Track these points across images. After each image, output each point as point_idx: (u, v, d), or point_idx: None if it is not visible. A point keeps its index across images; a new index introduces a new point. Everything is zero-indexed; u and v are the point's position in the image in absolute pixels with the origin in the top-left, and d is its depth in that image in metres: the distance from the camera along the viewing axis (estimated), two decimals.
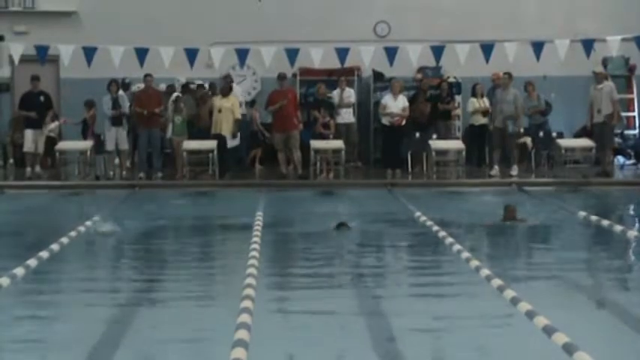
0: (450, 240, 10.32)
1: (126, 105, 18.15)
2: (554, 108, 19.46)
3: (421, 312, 7.93)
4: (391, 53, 17.42)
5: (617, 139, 19.58)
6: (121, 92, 18.35)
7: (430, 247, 11.13)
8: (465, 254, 9.34)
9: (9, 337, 7.17)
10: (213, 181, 17.63)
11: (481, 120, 18.97)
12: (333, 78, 19.48)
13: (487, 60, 17.23)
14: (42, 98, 18.47)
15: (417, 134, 18.62)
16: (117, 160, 18.59)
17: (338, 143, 18.07)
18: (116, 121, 17.98)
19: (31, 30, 20.45)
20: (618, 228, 11.49)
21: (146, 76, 18.10)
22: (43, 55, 17.33)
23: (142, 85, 18.60)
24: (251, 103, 19.94)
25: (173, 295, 8.81)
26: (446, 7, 20.90)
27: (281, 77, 18.40)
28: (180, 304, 8.34)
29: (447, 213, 13.64)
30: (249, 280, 7.71)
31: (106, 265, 11.01)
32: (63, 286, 9.43)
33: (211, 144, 17.77)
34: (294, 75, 20.02)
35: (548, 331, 6.00)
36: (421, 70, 19.94)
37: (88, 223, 12.02)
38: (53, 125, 18.89)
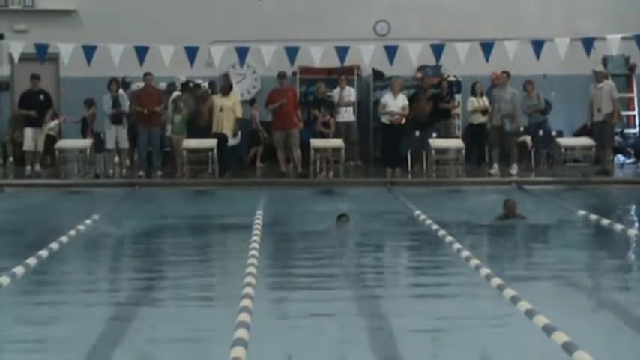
0: (449, 239, 10.32)
1: (126, 104, 18.15)
2: (554, 107, 19.44)
3: (421, 312, 7.92)
4: (391, 52, 17.40)
5: (617, 138, 19.57)
6: (121, 91, 18.35)
7: (430, 246, 11.13)
8: (465, 253, 9.34)
9: (8, 336, 7.15)
10: (213, 179, 17.63)
11: (480, 119, 18.99)
12: (333, 77, 19.47)
13: (487, 59, 17.21)
14: (42, 97, 18.45)
15: (417, 133, 18.61)
16: (117, 159, 18.59)
17: (338, 142, 18.06)
18: (116, 119, 17.98)
19: (31, 28, 20.43)
20: (618, 227, 11.49)
21: (146, 74, 18.09)
22: (42, 53, 17.32)
23: (141, 84, 18.59)
24: (251, 102, 19.94)
25: (172, 294, 8.80)
26: (446, 6, 20.90)
27: (281, 76, 18.39)
28: (180, 304, 8.34)
29: (447, 212, 13.63)
30: (249, 279, 7.71)
31: (106, 264, 11.00)
32: (62, 285, 9.40)
33: (211, 142, 17.77)
34: (294, 74, 20.02)
35: (548, 330, 6.00)
36: (421, 68, 19.94)
37: (88, 221, 12.01)
38: (53, 124, 18.88)
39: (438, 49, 17.50)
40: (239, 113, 18.27)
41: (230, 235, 12.70)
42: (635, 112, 21.18)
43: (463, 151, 18.17)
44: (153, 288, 9.11)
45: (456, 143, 18.55)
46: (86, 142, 18.27)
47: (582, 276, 9.78)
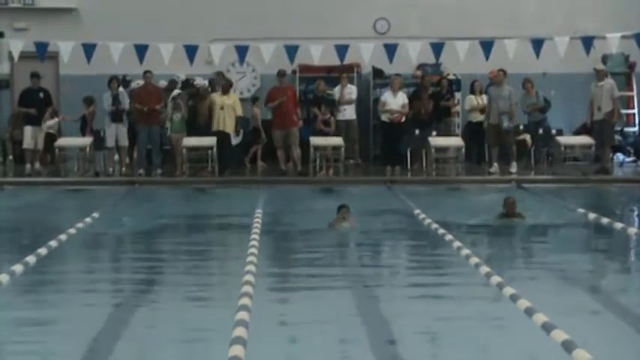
0: (449, 237, 10.32)
1: (126, 101, 18.15)
2: (553, 105, 19.44)
3: (421, 312, 7.89)
4: (391, 50, 17.40)
5: (616, 137, 19.57)
6: (121, 89, 18.35)
7: (430, 245, 11.12)
8: (465, 252, 9.33)
9: (7, 337, 7.13)
10: (213, 178, 17.63)
11: (479, 117, 19.02)
12: (333, 75, 19.47)
13: (487, 57, 17.21)
14: (41, 95, 18.46)
15: (417, 131, 18.61)
16: (116, 157, 18.60)
17: (337, 140, 18.07)
18: (116, 117, 17.98)
19: (30, 26, 20.45)
20: (618, 225, 11.49)
21: (146, 72, 18.09)
22: (42, 51, 17.31)
23: (141, 82, 18.59)
24: (253, 100, 19.94)
25: (171, 293, 8.77)
26: (445, 4, 20.91)
27: (280, 74, 18.39)
28: (179, 303, 8.32)
29: (447, 210, 13.62)
30: (248, 278, 7.70)
31: (105, 263, 10.97)
32: (61, 283, 9.38)
33: (211, 141, 17.77)
34: (294, 72, 20.03)
35: (547, 328, 6.00)
36: (421, 67, 19.94)
37: (88, 219, 12.01)
38: (52, 122, 18.88)
39: (437, 48, 17.51)
40: (239, 111, 18.28)
41: (230, 234, 12.68)
42: (635, 111, 21.19)
43: (463, 150, 18.18)
44: (152, 287, 9.10)
45: (456, 141, 18.55)
46: (86, 140, 18.27)
47: (582, 275, 9.77)
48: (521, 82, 18.73)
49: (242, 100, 19.62)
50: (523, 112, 18.80)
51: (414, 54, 17.53)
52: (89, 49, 17.00)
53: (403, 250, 11.65)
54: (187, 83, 19.44)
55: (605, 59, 19.86)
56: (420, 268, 10.28)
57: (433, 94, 19.08)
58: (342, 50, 17.33)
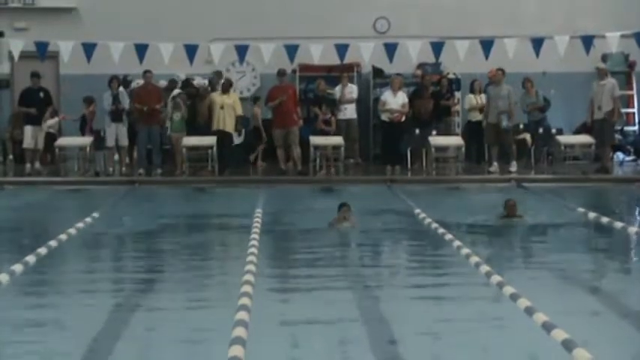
0: (449, 237, 10.31)
1: (126, 101, 18.15)
2: (553, 104, 19.45)
3: (421, 312, 7.89)
4: (391, 49, 17.40)
5: (616, 136, 19.57)
6: (121, 89, 18.35)
7: (430, 245, 11.12)
8: (465, 251, 9.33)
9: (6, 337, 7.13)
10: (213, 177, 17.64)
11: (478, 116, 19.06)
12: (333, 74, 19.48)
13: (487, 56, 17.19)
14: (41, 94, 18.46)
15: (417, 130, 18.61)
16: (116, 157, 18.60)
17: (338, 139, 18.07)
18: (116, 117, 17.98)
19: (30, 26, 20.46)
20: (618, 224, 11.49)
21: (145, 72, 18.10)
22: (42, 51, 17.31)
23: (141, 82, 18.59)
24: (254, 100, 19.94)
25: (171, 293, 8.76)
26: (445, 4, 20.92)
27: (281, 73, 18.40)
28: (178, 303, 8.30)
29: (447, 209, 13.62)
30: (248, 277, 7.69)
31: (105, 263, 10.96)
32: (61, 283, 9.39)
33: (211, 140, 17.78)
34: (294, 71, 20.04)
35: (548, 327, 6.00)
36: (421, 66, 19.94)
37: (88, 219, 12.00)
38: (52, 121, 18.88)
39: (437, 47, 17.51)
40: (239, 111, 18.29)
41: (229, 234, 12.67)
42: (635, 110, 21.21)
43: (463, 149, 18.18)
44: (152, 287, 9.09)
45: (456, 141, 18.56)
46: (86, 140, 18.28)
47: (581, 274, 9.76)
48: (521, 81, 18.74)
49: (242, 99, 19.65)
50: (523, 112, 18.80)
51: (414, 53, 17.53)
52: (89, 49, 16.99)
53: (403, 249, 11.64)
54: (186, 83, 19.43)
55: (604, 58, 19.85)
56: (421, 268, 10.27)
57: (433, 94, 19.08)
58: (342, 50, 17.33)
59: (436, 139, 18.40)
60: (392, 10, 21.12)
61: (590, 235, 12.32)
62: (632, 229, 11.44)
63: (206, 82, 19.49)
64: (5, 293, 8.04)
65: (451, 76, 20.15)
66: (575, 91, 19.77)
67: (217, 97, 18.23)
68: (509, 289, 7.26)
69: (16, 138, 19.51)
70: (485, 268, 8.33)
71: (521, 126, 19.09)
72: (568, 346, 5.55)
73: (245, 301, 6.75)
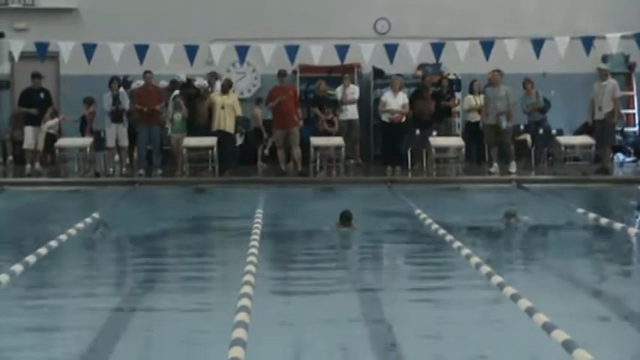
0: (450, 237, 10.31)
1: (126, 102, 18.15)
2: (553, 105, 19.45)
3: (422, 314, 7.87)
4: (391, 50, 17.41)
5: (617, 137, 19.57)
6: (121, 89, 18.35)
7: (430, 246, 11.10)
8: (466, 251, 9.32)
9: (6, 339, 7.12)
10: (213, 177, 17.64)
11: (477, 117, 19.05)
12: (334, 75, 19.49)
13: (487, 57, 17.21)
14: (42, 95, 18.46)
15: (417, 131, 18.61)
16: (117, 157, 18.59)
17: (338, 140, 18.08)
18: (116, 117, 17.98)
19: (31, 27, 20.45)
20: (618, 225, 11.48)
21: (146, 72, 18.10)
22: (43, 51, 17.31)
23: (141, 82, 18.59)
24: (257, 101, 19.93)
25: (170, 294, 8.74)
26: (446, 4, 20.92)
27: (281, 74, 18.40)
28: (178, 305, 8.28)
29: (447, 210, 13.61)
30: (248, 278, 7.68)
31: (104, 264, 10.94)
32: (60, 284, 9.38)
33: (211, 141, 17.78)
34: (294, 72, 20.04)
35: (548, 328, 6.00)
36: (421, 67, 19.95)
37: (88, 219, 11.99)
38: (52, 122, 18.87)
39: (438, 48, 17.52)
40: (239, 111, 18.30)
41: (230, 235, 12.63)
42: (635, 111, 21.22)
43: (463, 150, 18.18)
44: (152, 288, 9.08)
45: (456, 141, 18.56)
46: (86, 141, 18.28)
47: (581, 275, 9.75)
48: (522, 82, 18.74)
49: (243, 100, 19.67)
50: (523, 112, 18.81)
51: (414, 54, 17.54)
52: (89, 50, 17.01)
53: (404, 250, 11.61)
54: (186, 84, 19.39)
55: (605, 59, 19.86)
56: (421, 269, 10.26)
57: (434, 94, 19.09)
58: (342, 50, 17.34)
59: (436, 140, 18.41)
60: (392, 11, 21.13)
61: (590, 237, 12.32)
62: (632, 230, 11.44)
63: (206, 82, 19.48)
64: (5, 295, 8.03)
65: (451, 76, 20.15)
66: (576, 91, 19.77)
67: (217, 97, 18.23)
68: (509, 290, 7.25)
69: (16, 139, 19.51)
70: (485, 268, 8.32)
71: (522, 127, 19.11)
72: (568, 347, 5.55)
73: (245, 302, 6.74)
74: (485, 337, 7.08)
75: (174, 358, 6.73)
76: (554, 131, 19.10)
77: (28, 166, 18.21)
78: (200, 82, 19.66)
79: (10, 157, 19.98)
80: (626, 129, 20.81)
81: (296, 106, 18.55)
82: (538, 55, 17.25)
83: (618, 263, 10.65)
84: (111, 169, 18.30)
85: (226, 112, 18.01)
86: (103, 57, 17.05)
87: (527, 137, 18.95)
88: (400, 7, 21.01)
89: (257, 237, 10.33)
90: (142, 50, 16.99)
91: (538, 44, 17.28)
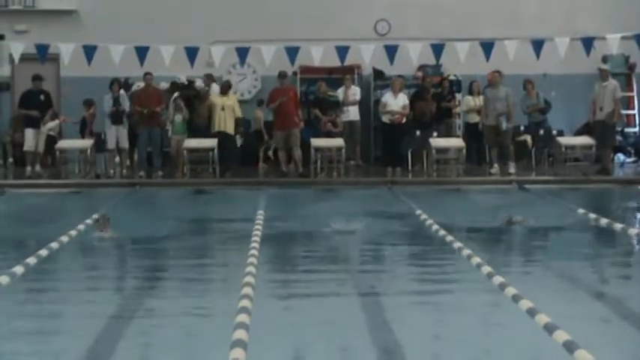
0: (450, 238, 10.31)
1: (126, 104, 18.16)
2: (554, 106, 19.46)
3: (422, 315, 7.88)
4: (391, 51, 17.42)
5: (617, 137, 19.57)
6: (122, 91, 18.35)
7: (431, 247, 11.10)
8: (466, 252, 9.32)
9: (5, 341, 7.11)
10: (214, 179, 17.63)
11: (476, 118, 19.05)
12: (334, 76, 19.50)
13: (487, 58, 17.23)
14: (42, 97, 18.46)
15: (418, 132, 18.61)
16: (117, 159, 18.59)
17: (339, 141, 18.09)
18: (116, 119, 17.98)
19: (31, 29, 20.46)
20: (618, 226, 11.48)
21: (146, 74, 18.09)
22: (43, 53, 17.32)
23: (142, 84, 18.59)
24: (259, 103, 19.92)
25: (170, 297, 8.75)
26: (446, 5, 20.93)
27: (281, 76, 18.40)
28: (179, 306, 8.29)
29: (448, 211, 13.60)
30: (249, 279, 7.68)
31: (104, 266, 10.93)
32: (60, 287, 9.38)
33: (211, 142, 17.78)
34: (295, 73, 20.04)
35: (549, 329, 5.99)
36: (421, 68, 19.96)
37: (88, 221, 11.98)
38: (53, 124, 18.88)
39: (438, 49, 17.52)
40: (238, 112, 18.30)
41: (231, 236, 12.62)
42: (635, 111, 21.23)
43: (464, 151, 18.19)
44: (152, 289, 9.09)
45: (457, 142, 18.56)
46: (87, 142, 18.28)
47: (582, 276, 9.74)
48: (522, 83, 18.75)
49: (244, 102, 19.69)
50: (523, 113, 18.82)
51: (414, 55, 17.55)
52: (90, 51, 17.02)
53: (405, 251, 11.62)
54: (184, 86, 19.37)
55: (605, 60, 19.86)
56: (422, 270, 10.26)
57: (434, 96, 19.10)
58: (342, 51, 17.36)
59: (437, 141, 18.41)
60: (392, 12, 21.13)
61: (590, 237, 12.31)
62: (633, 231, 11.44)
63: (202, 84, 19.46)
64: (5, 296, 8.02)
65: (452, 77, 20.15)
66: (576, 92, 19.78)
67: (217, 98, 18.23)
68: (510, 291, 7.25)
69: (16, 141, 19.51)
70: (486, 269, 8.32)
71: (522, 128, 19.11)
72: (570, 347, 5.55)
73: (245, 303, 6.73)
74: (486, 338, 7.09)
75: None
76: (554, 132, 19.11)
77: (29, 168, 18.21)
78: (200, 83, 19.66)
79: (11, 159, 19.97)
80: (627, 129, 20.82)
81: (296, 107, 18.56)
82: (538, 56, 17.26)
83: (619, 264, 10.66)
84: (111, 171, 18.31)
85: (226, 114, 18.01)
86: (104, 59, 17.07)
87: (528, 138, 18.95)
88: (400, 8, 21.02)
89: (258, 239, 10.32)
90: (142, 52, 17.01)
91: (538, 45, 17.29)
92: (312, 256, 11.02)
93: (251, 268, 8.19)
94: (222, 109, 18.01)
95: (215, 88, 19.03)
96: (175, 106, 18.29)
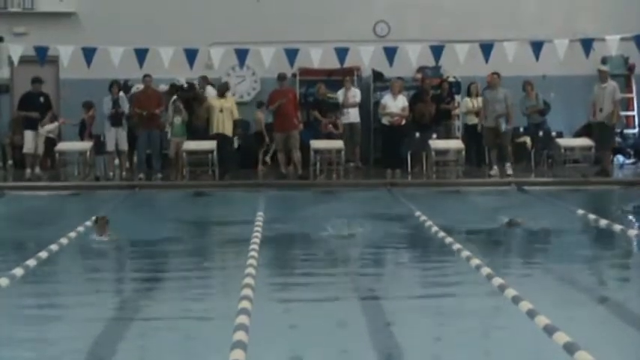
0: (450, 240, 10.31)
1: (125, 106, 18.15)
2: (553, 107, 19.46)
3: (423, 317, 7.87)
4: (391, 53, 17.42)
5: (616, 139, 19.57)
6: (121, 94, 18.35)
7: (431, 248, 11.10)
8: (466, 253, 9.32)
9: (4, 340, 7.11)
10: (213, 181, 17.63)
11: (474, 120, 19.04)
12: (333, 78, 19.51)
13: (486, 60, 17.22)
14: (42, 99, 18.46)
15: (417, 134, 18.62)
16: (117, 161, 18.59)
17: (338, 143, 18.09)
18: (115, 121, 17.97)
19: (30, 31, 20.45)
20: (618, 227, 11.48)
21: (145, 76, 18.09)
22: (42, 56, 17.32)
23: (141, 86, 18.58)
24: (259, 105, 19.92)
25: (170, 299, 8.73)
26: (445, 7, 20.93)
27: (281, 77, 18.40)
28: (179, 307, 8.28)
29: (448, 213, 13.63)
30: (248, 281, 7.67)
31: (103, 268, 10.90)
32: (59, 287, 9.38)
33: (211, 144, 17.78)
34: (294, 75, 20.03)
35: (549, 330, 5.99)
36: (421, 69, 19.96)
37: (88, 223, 11.98)
38: (52, 126, 18.86)
39: (437, 50, 17.51)
40: (237, 114, 18.30)
41: (230, 239, 12.61)
42: (635, 113, 21.22)
43: (463, 152, 18.19)
44: (152, 290, 9.08)
45: (456, 144, 18.56)
46: (86, 145, 18.27)
47: (582, 277, 9.75)
48: (521, 84, 18.75)
49: (243, 104, 19.67)
50: (523, 115, 18.82)
51: (413, 57, 17.55)
52: (89, 53, 17.01)
53: (405, 253, 11.61)
54: (181, 88, 19.35)
55: (604, 61, 19.86)
56: (422, 271, 10.26)
57: (434, 97, 19.10)
58: (341, 53, 17.36)
59: (436, 143, 18.41)
60: (392, 14, 21.13)
61: (590, 239, 12.32)
62: (632, 232, 11.44)
63: (197, 86, 19.44)
64: (5, 297, 8.02)
65: (451, 79, 20.15)
66: (575, 94, 19.78)
67: (215, 100, 18.22)
68: (510, 293, 7.25)
69: (15, 143, 19.49)
70: (486, 270, 8.32)
71: (522, 129, 19.11)
72: (570, 349, 5.55)
73: (245, 304, 6.73)
74: (486, 340, 7.08)
75: None
76: (553, 133, 19.11)
77: (28, 170, 18.21)
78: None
79: (10, 162, 19.95)
80: (626, 131, 20.81)
81: (296, 109, 18.56)
82: (537, 58, 17.26)
83: (619, 265, 10.65)
84: (111, 173, 18.30)
85: (224, 116, 18.01)
86: (103, 61, 17.06)
87: (527, 140, 18.95)
88: (399, 9, 21.02)
89: (257, 241, 10.32)
90: (141, 54, 17.01)
91: (537, 47, 17.30)
92: (312, 258, 11.00)
93: (250, 270, 8.20)
94: (221, 111, 18.01)
95: (210, 90, 19.00)
96: (174, 109, 18.28)
